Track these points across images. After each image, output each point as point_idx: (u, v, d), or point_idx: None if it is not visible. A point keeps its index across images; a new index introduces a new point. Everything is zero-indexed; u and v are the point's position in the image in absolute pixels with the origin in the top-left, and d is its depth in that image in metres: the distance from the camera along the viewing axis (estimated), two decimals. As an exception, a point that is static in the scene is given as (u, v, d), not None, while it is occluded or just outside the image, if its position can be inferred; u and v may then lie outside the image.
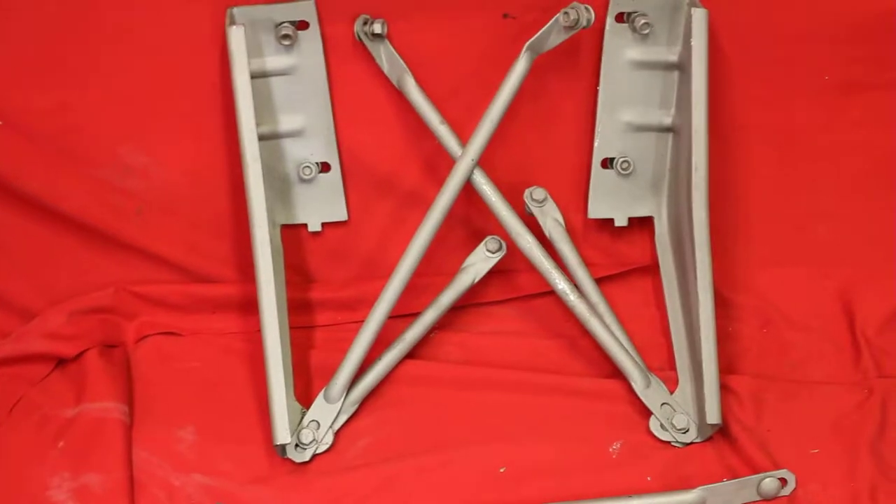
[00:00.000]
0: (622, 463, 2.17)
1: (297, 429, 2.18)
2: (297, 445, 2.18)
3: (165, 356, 2.35)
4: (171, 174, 2.36)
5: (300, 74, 2.31)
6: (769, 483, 2.09)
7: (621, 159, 2.38)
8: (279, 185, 2.38)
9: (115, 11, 2.24)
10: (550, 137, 2.40)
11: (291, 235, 2.41)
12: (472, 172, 2.26)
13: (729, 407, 2.22)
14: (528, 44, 2.21)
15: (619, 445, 2.19)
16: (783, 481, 2.10)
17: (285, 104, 2.33)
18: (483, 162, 2.27)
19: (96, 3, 2.23)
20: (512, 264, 2.40)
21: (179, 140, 2.33)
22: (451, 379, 2.30)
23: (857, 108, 2.39)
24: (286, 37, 2.26)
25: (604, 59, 2.33)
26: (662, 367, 2.32)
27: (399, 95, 2.31)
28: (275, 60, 2.30)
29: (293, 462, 2.17)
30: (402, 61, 2.28)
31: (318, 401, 2.22)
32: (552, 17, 2.19)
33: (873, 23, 2.33)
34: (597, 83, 2.35)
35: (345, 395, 2.23)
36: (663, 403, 2.23)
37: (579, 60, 2.35)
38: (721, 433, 2.20)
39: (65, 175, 2.31)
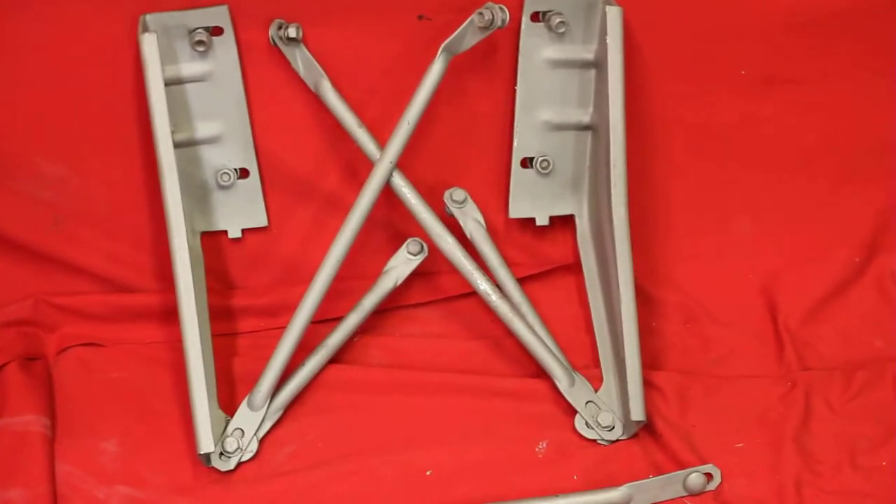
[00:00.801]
0: (548, 462, 2.17)
1: (220, 437, 2.17)
2: (221, 454, 2.16)
3: (87, 367, 2.32)
4: (89, 184, 2.33)
5: (216, 80, 2.29)
6: (695, 478, 2.10)
7: (541, 158, 2.38)
8: (198, 192, 2.36)
9: (26, 21, 2.21)
10: (469, 138, 2.39)
11: (212, 242, 2.39)
12: (391, 175, 2.25)
13: (653, 403, 2.23)
14: (444, 45, 2.20)
15: (544, 445, 2.19)
16: (709, 476, 2.11)
17: (202, 111, 2.31)
18: (402, 164, 2.26)
19: (5, 12, 2.20)
20: (434, 266, 2.39)
21: (96, 149, 2.31)
22: (375, 383, 2.29)
23: (775, 102, 2.40)
24: (200, 42, 2.24)
25: (520, 58, 2.32)
26: (587, 365, 2.32)
27: (316, 100, 2.30)
28: (190, 67, 2.28)
29: (218, 471, 2.16)
30: (318, 65, 2.26)
31: (242, 408, 2.21)
32: (467, 17, 2.19)
33: (789, 18, 2.34)
34: (514, 83, 2.34)
35: (269, 402, 2.21)
36: (588, 402, 2.23)
37: (496, 60, 2.34)
38: (646, 430, 2.21)
39: (-22, 187, 2.28)
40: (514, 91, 2.35)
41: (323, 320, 2.34)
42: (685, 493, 2.11)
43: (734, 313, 2.42)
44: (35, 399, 2.22)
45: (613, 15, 2.24)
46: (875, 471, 2.13)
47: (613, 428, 2.21)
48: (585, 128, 2.37)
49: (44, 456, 2.14)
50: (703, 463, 2.12)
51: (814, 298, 2.41)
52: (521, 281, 2.38)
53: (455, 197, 2.34)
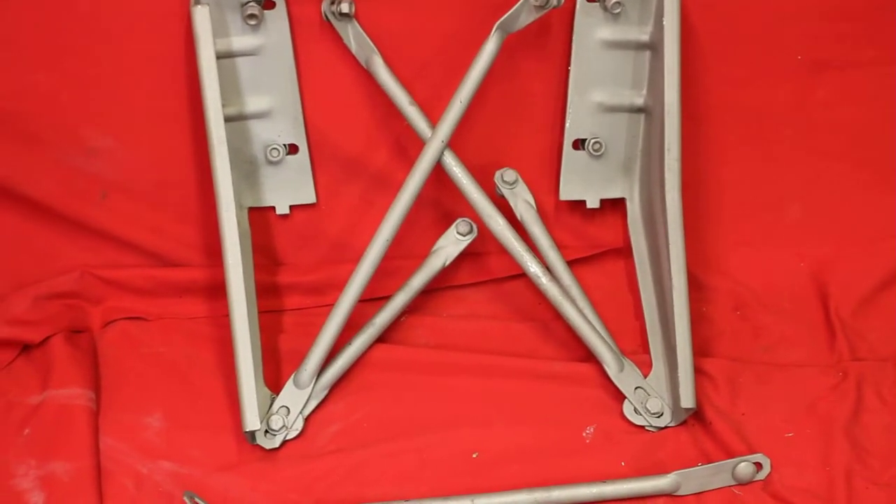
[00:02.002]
0: (595, 448, 2.16)
1: (266, 415, 2.16)
2: (266, 432, 2.16)
3: (132, 341, 2.32)
4: (137, 157, 2.32)
5: (267, 55, 2.28)
6: (744, 467, 2.08)
7: (593, 140, 2.36)
8: (246, 168, 2.35)
9: (79, -8, 2.21)
10: (521, 118, 2.37)
11: (259, 218, 2.39)
12: (441, 154, 2.23)
13: (703, 390, 2.21)
14: (498, 23, 2.18)
15: (592, 430, 2.18)
16: (758, 465, 2.09)
17: (252, 85, 2.30)
18: (453, 143, 2.24)
19: (57, -17, 2.20)
20: (483, 247, 2.39)
21: (145, 123, 2.30)
22: (421, 363, 2.28)
23: (830, 87, 2.38)
24: (252, 16, 2.23)
25: (574, 38, 2.31)
26: (636, 350, 2.31)
27: (367, 76, 2.28)
28: (241, 40, 2.27)
29: (263, 449, 2.15)
30: (370, 41, 2.25)
31: (288, 386, 2.20)
32: (523, -4, 2.17)
33: (845, 3, 2.32)
34: (568, 63, 2.33)
35: (315, 380, 2.20)
36: (637, 387, 2.22)
37: (550, 40, 2.32)
38: (695, 417, 2.19)
39: (27, 159, 2.28)
40: (568, 72, 2.33)
41: (370, 299, 2.33)
42: (734, 483, 2.09)
43: (785, 301, 2.40)
44: (80, 372, 2.23)
45: (671, -3, 2.22)
46: (926, 464, 2.12)
47: (662, 414, 2.19)
48: (638, 110, 2.35)
49: (88, 429, 2.14)
50: (753, 452, 2.11)
51: (866, 287, 2.40)
52: (571, 264, 2.36)
53: (506, 178, 2.33)
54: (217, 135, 2.18)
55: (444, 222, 2.35)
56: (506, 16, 2.18)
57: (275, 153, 2.34)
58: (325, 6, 2.25)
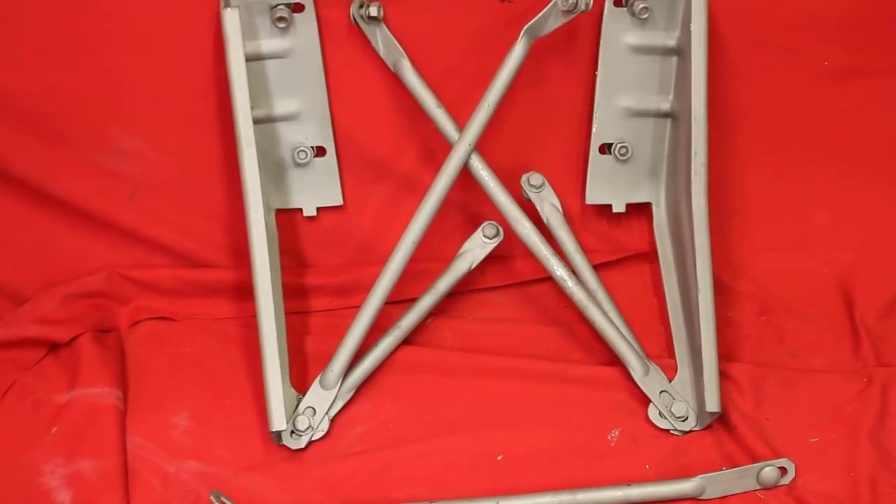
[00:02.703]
0: (620, 451, 2.16)
1: (292, 416, 2.17)
2: (292, 432, 2.16)
3: (160, 341, 2.33)
4: (165, 158, 2.34)
5: (295, 57, 2.29)
6: (769, 472, 2.08)
7: (619, 145, 2.37)
8: (274, 170, 2.36)
9: (108, -7, 2.23)
10: (548, 122, 2.38)
11: (286, 220, 2.40)
12: (469, 157, 2.24)
13: (728, 395, 2.21)
14: (525, 28, 2.19)
15: (617, 433, 2.18)
16: (783, 470, 2.09)
17: (280, 87, 2.31)
18: (480, 147, 2.25)
19: (88, -15, 2.22)
20: (509, 250, 2.39)
21: (173, 123, 2.32)
22: (447, 366, 2.29)
23: (856, 93, 2.38)
24: (282, 19, 2.24)
25: (602, 43, 2.31)
26: (661, 354, 2.31)
27: (395, 79, 2.29)
28: (270, 43, 2.28)
29: (289, 449, 2.16)
30: (398, 45, 2.26)
31: (314, 387, 2.21)
32: (550, 0, 2.17)
33: (872, 9, 2.32)
34: (595, 68, 2.33)
35: (341, 381, 2.21)
36: (662, 391, 2.22)
37: (577, 45, 2.33)
38: (720, 421, 2.19)
39: (56, 158, 2.30)
40: (595, 76, 2.34)
41: (396, 301, 2.34)
42: (758, 487, 2.09)
43: (810, 306, 2.40)
44: (107, 371, 2.24)
45: (698, 2, 2.22)
46: (951, 470, 2.12)
47: (687, 418, 2.19)
48: (665, 115, 2.35)
49: (115, 428, 2.15)
50: (778, 457, 2.11)
51: (891, 293, 2.39)
52: (597, 268, 2.37)
53: (532, 181, 2.33)
54: (246, 136, 2.19)
55: (471, 225, 2.36)
56: (534, 20, 2.18)
57: (302, 155, 2.35)
58: (353, 9, 2.26)
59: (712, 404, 2.15)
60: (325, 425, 2.19)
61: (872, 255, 2.43)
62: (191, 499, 2.08)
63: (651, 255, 2.43)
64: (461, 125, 2.25)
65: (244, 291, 2.32)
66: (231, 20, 2.19)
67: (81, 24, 2.23)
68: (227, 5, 2.20)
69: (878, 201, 2.45)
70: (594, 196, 2.40)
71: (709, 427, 2.19)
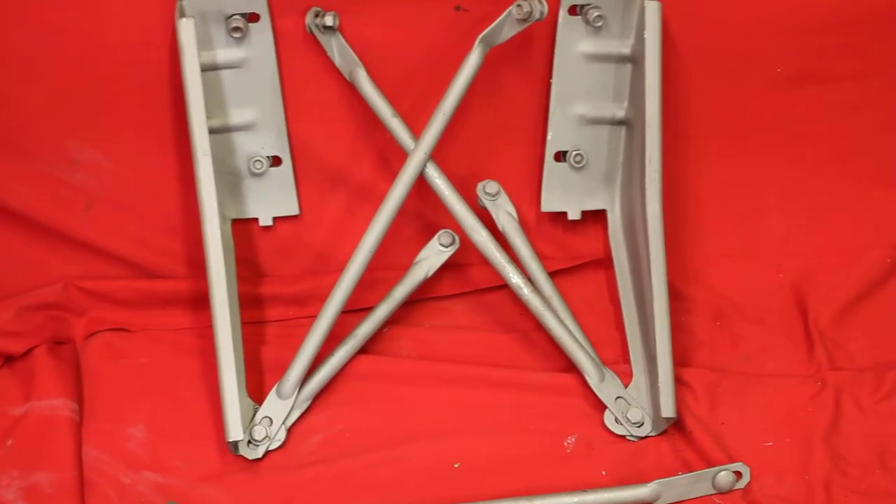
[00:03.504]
0: (576, 457, 2.17)
1: (249, 425, 2.16)
2: (249, 442, 2.16)
3: (115, 352, 2.32)
4: (121, 169, 2.32)
5: (251, 67, 2.29)
6: (724, 476, 2.09)
7: (574, 152, 2.37)
8: (230, 179, 2.36)
9: (61, 3, 2.20)
10: (504, 131, 2.38)
11: (242, 230, 2.39)
12: (424, 166, 2.24)
13: (683, 400, 2.22)
14: (480, 36, 2.20)
15: (573, 440, 2.19)
16: (738, 474, 2.10)
17: (236, 97, 2.30)
18: (436, 155, 2.25)
19: (41, -5, 2.21)
20: (465, 258, 2.39)
21: (128, 134, 2.30)
22: (404, 374, 2.28)
23: (810, 100, 2.40)
24: (237, 29, 2.24)
25: (557, 51, 2.32)
26: (617, 360, 2.32)
27: (351, 89, 2.29)
28: (225, 53, 2.27)
29: (246, 459, 2.15)
30: (354, 54, 2.26)
31: (271, 397, 2.21)
32: (505, 9, 2.18)
33: (826, 17, 2.33)
34: (550, 76, 2.34)
35: (297, 391, 2.21)
36: (618, 397, 2.23)
37: (532, 53, 2.33)
38: (676, 427, 2.20)
39: (10, 169, 2.28)
40: (550, 84, 2.34)
41: (353, 310, 2.33)
42: (714, 491, 2.10)
43: (765, 311, 2.41)
44: (63, 383, 2.22)
45: (652, 10, 2.23)
46: (905, 472, 2.13)
47: (643, 424, 2.20)
48: (620, 122, 2.36)
49: (71, 440, 2.14)
50: (733, 461, 2.12)
51: (845, 298, 2.41)
52: (552, 275, 2.37)
53: (488, 189, 2.34)
54: (201, 146, 2.18)
55: (427, 234, 2.35)
56: (489, 29, 2.19)
57: (258, 165, 2.35)
58: (309, 19, 2.26)
59: (668, 410, 2.16)
60: (282, 435, 2.18)
61: (827, 260, 2.45)
62: (148, 510, 2.08)
63: (607, 262, 2.43)
64: (417, 134, 2.25)
65: (200, 302, 2.31)
66: (186, 30, 2.18)
67: (35, 35, 2.21)
68: (183, 15, 2.19)
69: (832, 206, 2.47)
70: (549, 203, 2.41)
71: (665, 432, 2.20)
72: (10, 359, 2.29)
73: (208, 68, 2.25)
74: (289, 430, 2.19)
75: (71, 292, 2.34)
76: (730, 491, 2.10)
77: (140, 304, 2.37)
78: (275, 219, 2.39)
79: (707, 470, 2.10)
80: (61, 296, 2.34)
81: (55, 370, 2.24)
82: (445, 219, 2.32)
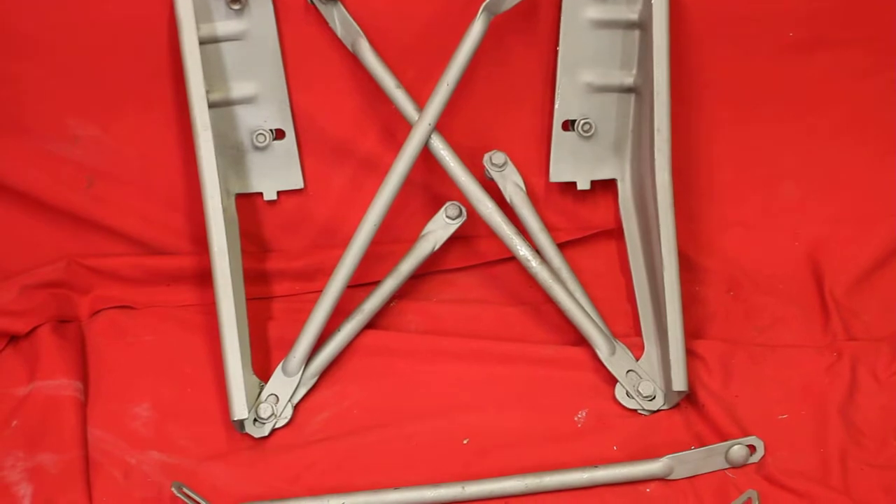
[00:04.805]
0: (587, 432, 2.15)
1: (255, 403, 2.14)
2: (255, 420, 2.14)
3: (120, 330, 2.30)
4: (121, 145, 2.30)
5: (251, 39, 2.26)
6: (737, 450, 2.06)
7: (583, 121, 2.34)
8: (232, 154, 2.33)
9: (60, -21, 2.19)
10: (509, 100, 2.35)
11: (247, 204, 2.37)
12: (429, 137, 2.21)
13: (696, 373, 2.19)
14: (484, 4, 2.16)
15: (584, 414, 2.16)
16: (752, 448, 2.07)
17: (237, 70, 2.28)
18: (441, 126, 2.22)
19: (39, -29, 2.18)
20: (473, 230, 2.37)
21: (128, 110, 2.29)
22: (412, 349, 2.26)
23: (822, 64, 2.35)
24: (236, 0, 2.21)
25: (563, 18, 2.28)
26: (628, 333, 2.29)
27: (354, 59, 2.26)
28: (225, 25, 2.24)
29: (252, 437, 2.13)
30: (355, 24, 2.22)
31: (277, 374, 2.19)
32: (509, -25, 2.15)
33: (838, -22, 2.29)
34: (556, 43, 2.30)
35: (303, 367, 2.19)
36: (629, 371, 2.20)
37: (537, 20, 2.30)
38: (688, 400, 2.18)
39: (11, 148, 2.27)
40: (556, 52, 2.30)
41: (359, 284, 2.32)
42: (727, 466, 2.07)
43: (779, 281, 2.38)
44: (68, 362, 2.21)
45: (659, -26, 2.20)
46: (921, 444, 2.10)
47: (655, 398, 2.17)
48: (629, 90, 2.33)
49: (76, 420, 2.13)
50: (746, 435, 2.09)
51: (861, 267, 2.37)
52: (562, 246, 2.35)
53: (495, 160, 2.31)
54: (201, 121, 2.16)
55: (434, 206, 2.33)
56: (492, -4, 2.16)
57: (261, 139, 2.32)
58: (309, -11, 2.24)
59: (679, 383, 2.13)
60: (288, 412, 2.16)
61: (842, 228, 2.41)
62: (153, 490, 2.06)
63: (617, 233, 2.41)
64: (421, 105, 2.22)
65: (206, 278, 2.29)
66: (184, 3, 2.16)
67: (33, 11, 2.19)
68: (180, -12, 2.18)
69: (848, 173, 2.43)
70: (558, 173, 2.37)
71: (676, 406, 2.18)
72: (14, 338, 2.27)
73: (208, 41, 2.22)
74: (295, 408, 2.18)
75: (75, 270, 2.33)
76: (743, 465, 2.08)
77: (145, 281, 2.36)
78: (279, 193, 2.37)
79: (720, 444, 2.07)
80: (65, 274, 2.32)
81: (59, 349, 2.23)
82: (453, 190, 2.29)
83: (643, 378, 2.19)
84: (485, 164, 2.31)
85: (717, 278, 2.38)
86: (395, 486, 2.05)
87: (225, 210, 2.17)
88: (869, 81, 2.37)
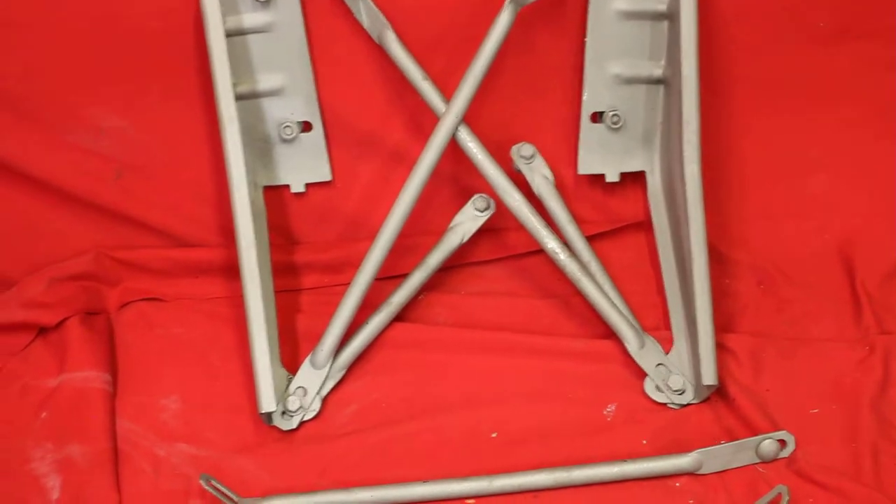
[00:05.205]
0: (617, 426, 2.14)
1: (283, 396, 2.14)
2: (283, 413, 2.14)
3: (149, 323, 2.31)
4: (149, 137, 2.30)
5: (278, 31, 2.25)
6: (768, 445, 2.05)
7: (611, 113, 2.32)
8: (260, 146, 2.33)
9: (86, -30, 2.19)
10: (537, 92, 2.34)
11: (274, 197, 2.37)
12: (456, 129, 2.20)
13: (726, 367, 2.18)
14: (512, -5, 2.16)
15: (613, 408, 2.15)
16: (782, 443, 2.06)
17: (263, 62, 2.27)
18: (468, 118, 2.21)
19: (66, -38, 2.17)
20: (501, 223, 2.35)
21: (155, 101, 2.28)
22: (440, 342, 2.26)
23: (853, 55, 2.34)
24: (262, -8, 2.21)
25: (590, 9, 2.27)
26: (657, 326, 2.28)
27: (380, 51, 2.25)
28: (251, 17, 2.24)
29: (280, 430, 2.13)
30: (382, 16, 2.22)
31: (305, 366, 2.18)
32: (537, -33, 2.14)
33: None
34: (584, 35, 2.29)
35: (332, 360, 2.18)
36: (658, 364, 2.18)
37: (565, 11, 2.28)
38: (718, 394, 2.16)
39: (38, 140, 2.26)
40: (584, 43, 2.29)
41: (387, 277, 2.31)
42: (758, 461, 2.06)
43: (810, 274, 2.36)
44: (96, 354, 2.21)
45: (688, -36, 2.18)
46: (954, 440, 2.08)
47: (684, 392, 2.16)
48: (657, 81, 2.31)
49: (105, 412, 2.13)
50: (777, 429, 2.08)
51: (893, 259, 2.35)
52: (590, 239, 2.33)
53: (523, 152, 2.29)
54: (228, 113, 2.16)
55: (462, 198, 2.32)
56: (520, -13, 2.15)
57: (288, 131, 2.32)
58: (336, -20, 2.23)
59: (709, 377, 2.12)
60: (316, 405, 2.16)
61: (873, 219, 2.39)
62: (181, 482, 2.06)
63: (646, 225, 2.39)
64: (448, 97, 2.21)
65: (234, 270, 2.28)
66: (210, -4, 2.16)
67: (59, 5, 2.19)
68: (206, -20, 2.17)
69: (878, 165, 2.41)
70: (587, 166, 2.36)
71: (706, 400, 2.16)
72: (43, 330, 2.27)
73: (234, 33, 2.22)
74: (323, 400, 2.18)
75: (103, 262, 2.33)
76: (774, 460, 2.06)
77: (174, 273, 2.36)
78: (307, 185, 2.37)
79: (750, 439, 2.06)
80: (94, 266, 2.32)
81: (88, 341, 2.23)
82: (481, 182, 2.28)
83: (673, 372, 2.17)
84: (513, 157, 2.30)
85: (747, 271, 2.37)
86: (423, 479, 2.04)
87: (252, 203, 2.17)
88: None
